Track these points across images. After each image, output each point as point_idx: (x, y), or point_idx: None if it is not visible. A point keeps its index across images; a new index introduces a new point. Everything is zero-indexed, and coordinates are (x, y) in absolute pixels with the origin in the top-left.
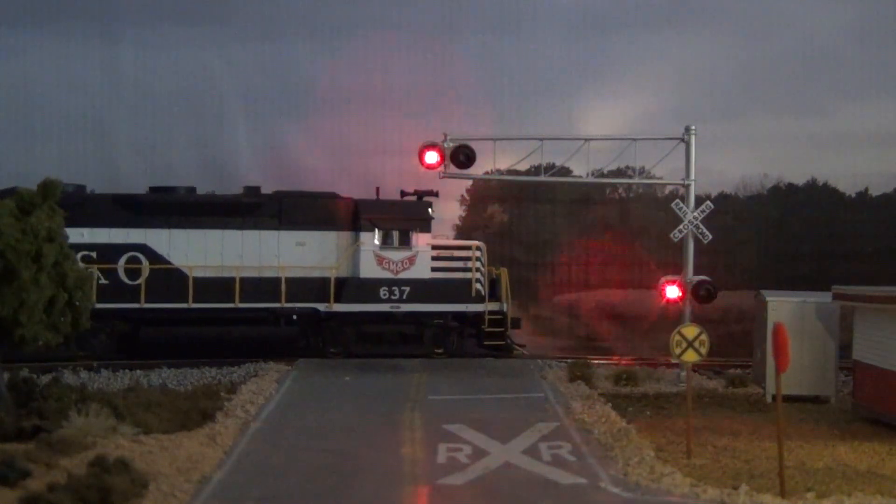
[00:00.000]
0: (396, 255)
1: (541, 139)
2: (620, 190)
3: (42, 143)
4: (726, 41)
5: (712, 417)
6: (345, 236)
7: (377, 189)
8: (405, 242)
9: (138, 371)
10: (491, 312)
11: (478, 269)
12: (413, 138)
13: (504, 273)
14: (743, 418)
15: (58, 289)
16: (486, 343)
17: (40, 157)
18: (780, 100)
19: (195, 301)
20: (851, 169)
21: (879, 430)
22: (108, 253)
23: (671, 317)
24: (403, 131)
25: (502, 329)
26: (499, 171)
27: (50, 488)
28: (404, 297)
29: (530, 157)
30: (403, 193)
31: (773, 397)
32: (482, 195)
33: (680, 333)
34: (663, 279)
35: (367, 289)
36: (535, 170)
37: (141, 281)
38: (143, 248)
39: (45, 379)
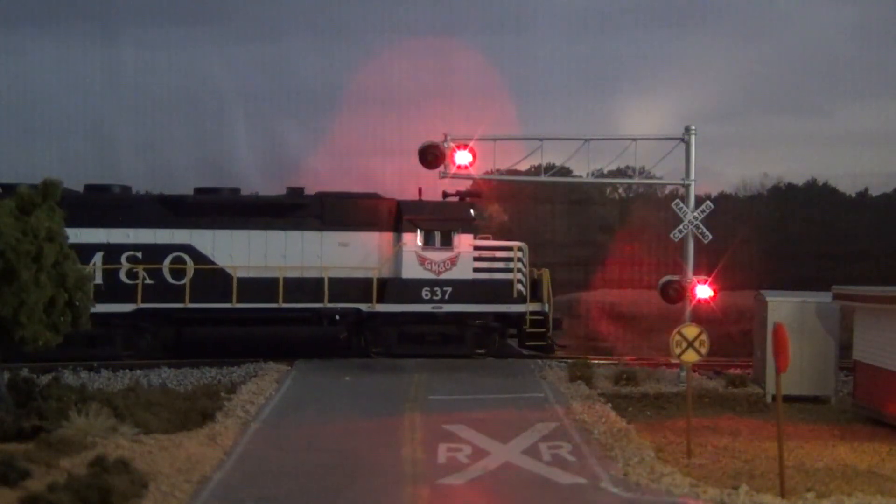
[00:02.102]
0: (438, 256)
1: (541, 139)
2: (620, 190)
3: (42, 143)
4: (726, 41)
5: (712, 417)
6: (387, 237)
7: (419, 190)
8: (447, 243)
9: (138, 371)
10: (532, 313)
11: (519, 270)
12: (412, 138)
13: (546, 274)
14: (743, 418)
15: (58, 289)
16: (527, 343)
17: (40, 157)
18: (780, 100)
19: (239, 301)
20: (851, 169)
21: (879, 430)
22: (154, 253)
23: (672, 317)
24: (403, 131)
25: (543, 330)
26: (499, 171)
27: (50, 488)
28: (446, 297)
29: (530, 157)
30: (445, 194)
31: (773, 397)
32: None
33: (680, 333)
34: (662, 279)
35: (409, 289)
36: (535, 170)
37: (186, 281)
38: (188, 249)
39: (45, 379)
